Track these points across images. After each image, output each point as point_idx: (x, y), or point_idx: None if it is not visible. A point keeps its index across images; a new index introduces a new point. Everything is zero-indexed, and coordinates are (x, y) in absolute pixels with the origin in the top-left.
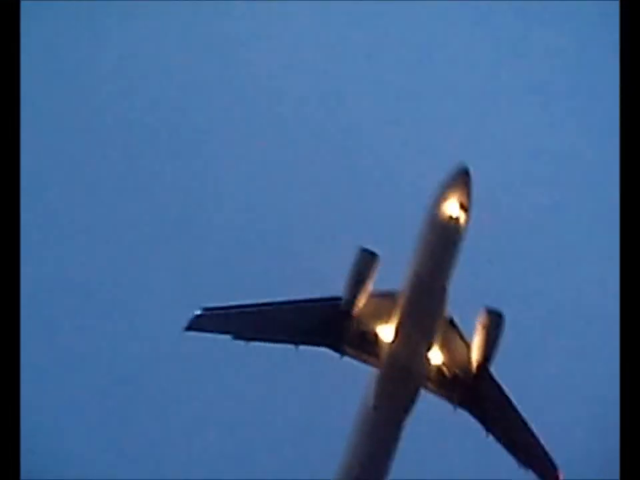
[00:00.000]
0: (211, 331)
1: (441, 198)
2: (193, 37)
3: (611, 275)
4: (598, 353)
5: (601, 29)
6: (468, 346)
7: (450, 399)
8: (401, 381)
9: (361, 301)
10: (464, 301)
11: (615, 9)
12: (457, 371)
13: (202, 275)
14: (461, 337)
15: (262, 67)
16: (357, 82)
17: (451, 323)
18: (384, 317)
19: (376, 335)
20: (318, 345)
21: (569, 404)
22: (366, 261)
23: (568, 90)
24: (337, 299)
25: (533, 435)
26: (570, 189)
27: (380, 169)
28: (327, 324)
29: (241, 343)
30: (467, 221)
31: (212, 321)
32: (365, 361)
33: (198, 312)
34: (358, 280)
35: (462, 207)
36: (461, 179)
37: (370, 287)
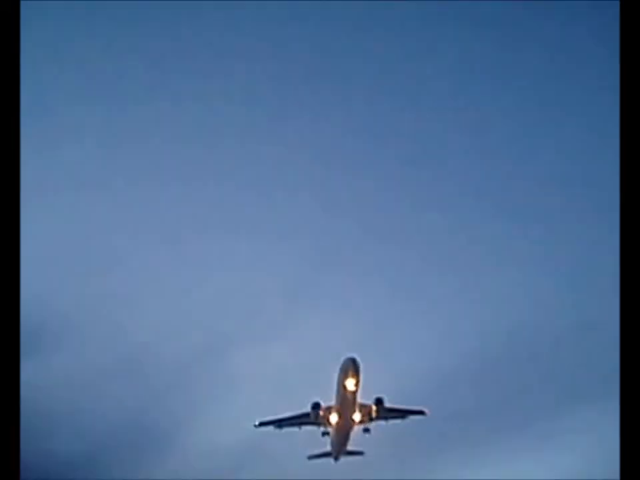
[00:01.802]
0: (265, 426)
1: (342, 377)
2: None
3: None
4: None
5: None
6: (370, 406)
7: (367, 423)
8: (344, 429)
9: (323, 411)
10: None
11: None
12: (367, 414)
13: None
14: (366, 406)
15: None
16: None
17: (361, 404)
18: (332, 413)
19: (329, 420)
20: (309, 425)
21: None
22: (315, 414)
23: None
24: (315, 406)
25: (409, 410)
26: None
27: None
28: (311, 417)
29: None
30: (358, 384)
31: (264, 424)
32: (329, 429)
33: (257, 423)
34: (314, 419)
35: (353, 380)
36: (351, 370)
37: (322, 408)
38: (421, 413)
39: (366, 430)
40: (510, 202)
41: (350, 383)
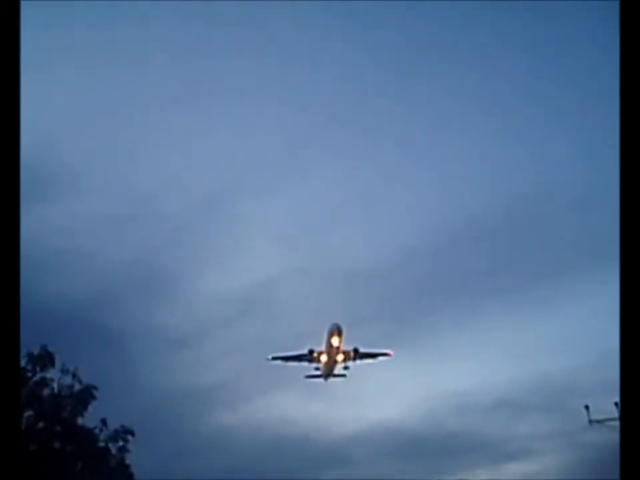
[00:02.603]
0: (275, 360)
1: (329, 336)
2: None
3: None
4: None
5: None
6: (349, 352)
7: (347, 362)
8: (330, 365)
9: (316, 354)
10: None
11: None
12: (347, 357)
13: None
14: (346, 351)
15: None
16: None
17: (343, 350)
18: (322, 355)
19: (320, 360)
20: (305, 361)
21: None
22: (310, 357)
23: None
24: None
25: (378, 353)
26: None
27: None
28: (307, 357)
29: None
30: (341, 341)
31: (275, 359)
32: (319, 365)
33: (270, 357)
34: (309, 359)
35: (337, 338)
36: (336, 332)
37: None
38: (386, 354)
39: (345, 367)
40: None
41: (335, 341)
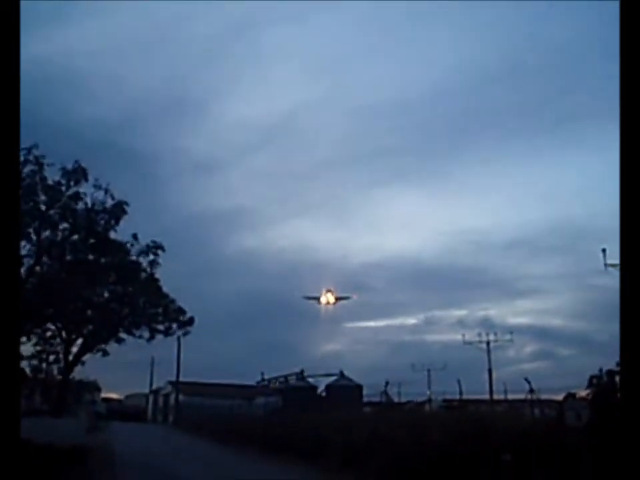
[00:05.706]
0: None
1: (325, 292)
2: None
3: None
4: None
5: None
6: (336, 297)
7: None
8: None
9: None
10: None
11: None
12: (336, 300)
13: None
14: (336, 297)
15: None
16: None
17: (335, 297)
18: (323, 297)
19: (321, 301)
20: (316, 300)
21: None
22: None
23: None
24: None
25: (347, 296)
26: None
27: None
28: (318, 298)
29: None
30: (332, 295)
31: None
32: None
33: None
34: (318, 299)
35: (331, 294)
36: (330, 290)
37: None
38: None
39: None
40: None
41: (329, 294)
